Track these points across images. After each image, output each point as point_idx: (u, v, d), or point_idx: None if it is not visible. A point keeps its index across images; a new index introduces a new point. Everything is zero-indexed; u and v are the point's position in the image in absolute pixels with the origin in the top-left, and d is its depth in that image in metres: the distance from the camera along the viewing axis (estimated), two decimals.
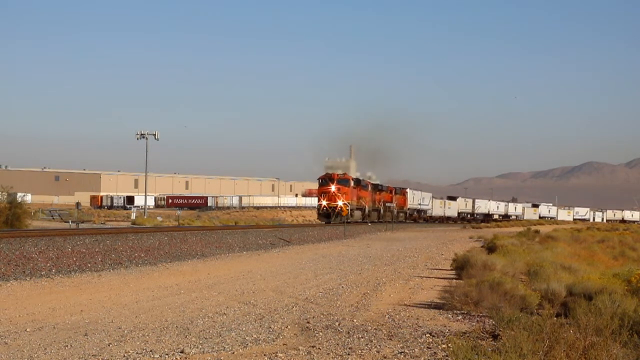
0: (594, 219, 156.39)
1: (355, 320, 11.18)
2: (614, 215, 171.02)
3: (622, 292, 11.58)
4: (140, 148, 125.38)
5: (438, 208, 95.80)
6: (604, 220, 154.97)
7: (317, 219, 59.58)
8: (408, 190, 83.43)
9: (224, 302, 13.10)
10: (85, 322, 10.96)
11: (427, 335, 9.95)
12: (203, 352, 8.92)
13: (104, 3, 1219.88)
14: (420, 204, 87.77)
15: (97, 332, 10.11)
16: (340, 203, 55.44)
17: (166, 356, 8.71)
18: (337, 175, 57.86)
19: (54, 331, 10.29)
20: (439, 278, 18.24)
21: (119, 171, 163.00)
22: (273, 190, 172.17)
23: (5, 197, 42.81)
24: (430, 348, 9.09)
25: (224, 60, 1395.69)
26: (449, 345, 8.68)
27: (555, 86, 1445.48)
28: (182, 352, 8.89)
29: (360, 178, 64.56)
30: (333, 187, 55.87)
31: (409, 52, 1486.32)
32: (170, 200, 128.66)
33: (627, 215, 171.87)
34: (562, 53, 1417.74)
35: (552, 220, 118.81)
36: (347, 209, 55.53)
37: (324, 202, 56.14)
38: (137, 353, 8.84)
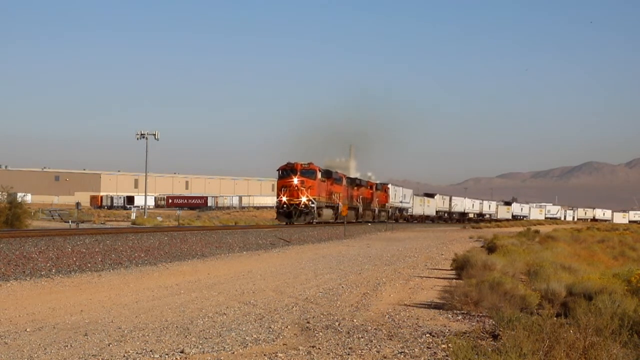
0: (564, 217, 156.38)
1: (355, 320, 11.17)
2: (585, 213, 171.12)
3: (622, 292, 11.56)
4: (140, 148, 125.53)
5: (418, 206, 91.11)
6: (575, 219, 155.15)
7: (276, 218, 49.92)
8: (390, 186, 76.72)
9: (224, 302, 13.09)
10: (85, 322, 10.95)
11: (427, 335, 9.94)
12: (203, 352, 8.91)
13: (104, 3, 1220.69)
14: (402, 202, 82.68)
15: (97, 332, 10.11)
16: (304, 199, 46.38)
17: (166, 356, 8.70)
18: (301, 165, 47.59)
19: (54, 331, 10.29)
20: (439, 278, 18.23)
21: (119, 171, 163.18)
22: (273, 190, 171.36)
23: (5, 197, 42.88)
24: (430, 348, 9.09)
25: (224, 60, 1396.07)
26: (449, 345, 8.67)
27: (555, 86, 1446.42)
28: (182, 352, 8.88)
29: (332, 170, 55.21)
30: (295, 180, 46.56)
31: (409, 52, 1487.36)
32: (170, 200, 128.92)
33: (599, 213, 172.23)
34: (562, 53, 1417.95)
35: (526, 220, 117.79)
36: (313, 207, 46.72)
37: (284, 198, 46.86)
38: (137, 353, 8.83)
